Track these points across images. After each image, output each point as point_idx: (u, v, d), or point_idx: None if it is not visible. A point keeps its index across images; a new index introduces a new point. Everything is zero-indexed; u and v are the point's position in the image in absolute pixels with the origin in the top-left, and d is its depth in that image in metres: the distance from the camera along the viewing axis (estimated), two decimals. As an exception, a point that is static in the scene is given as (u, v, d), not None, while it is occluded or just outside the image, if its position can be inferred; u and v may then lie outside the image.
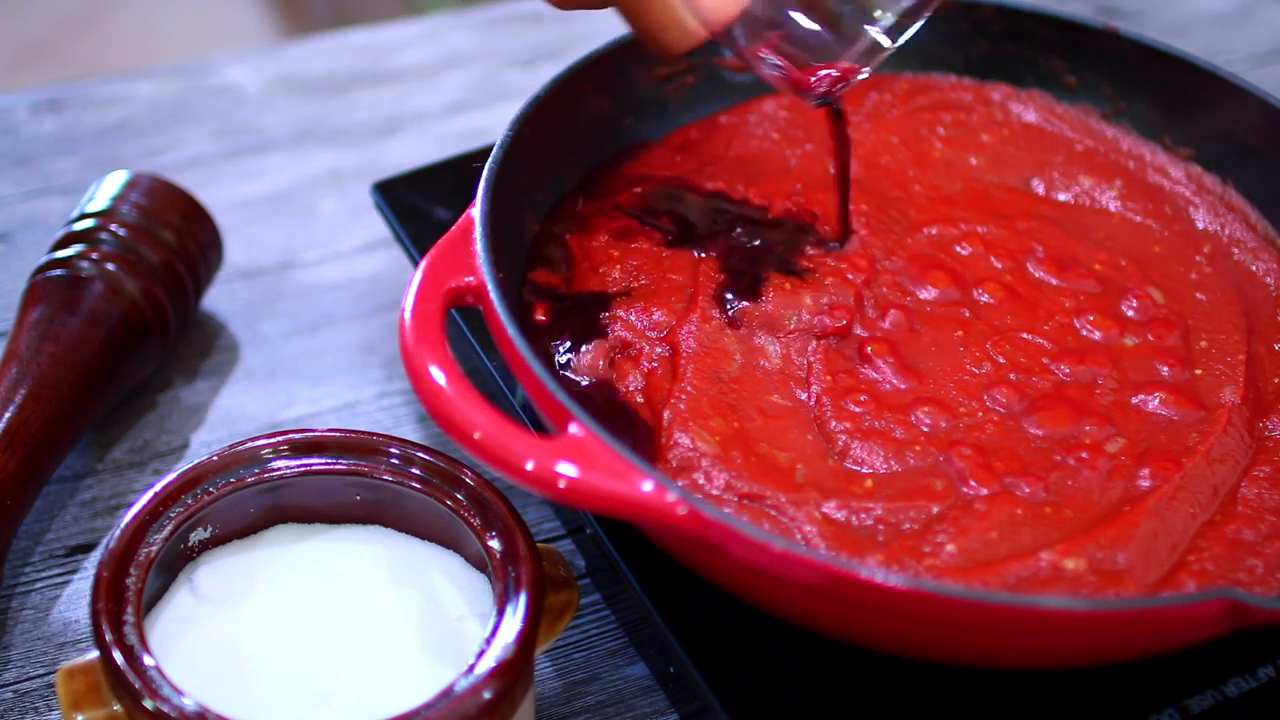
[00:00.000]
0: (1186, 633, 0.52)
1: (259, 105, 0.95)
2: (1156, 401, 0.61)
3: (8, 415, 0.65)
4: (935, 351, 0.63)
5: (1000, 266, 0.67)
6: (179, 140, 0.91)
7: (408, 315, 0.54)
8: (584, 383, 0.60)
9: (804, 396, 0.60)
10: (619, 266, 0.65)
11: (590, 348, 0.61)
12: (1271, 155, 0.70)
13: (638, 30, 0.58)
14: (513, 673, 0.52)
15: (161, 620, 0.55)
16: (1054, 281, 0.67)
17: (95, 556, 0.67)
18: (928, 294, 0.65)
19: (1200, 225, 0.71)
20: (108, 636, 0.51)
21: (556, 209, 0.68)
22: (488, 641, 0.52)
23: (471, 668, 0.52)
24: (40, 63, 2.09)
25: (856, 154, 0.72)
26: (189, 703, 0.50)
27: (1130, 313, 0.66)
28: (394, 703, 0.51)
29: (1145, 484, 0.58)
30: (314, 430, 0.59)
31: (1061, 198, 0.72)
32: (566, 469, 0.49)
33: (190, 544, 0.57)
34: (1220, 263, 0.69)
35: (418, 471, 0.58)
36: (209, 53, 0.99)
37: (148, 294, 0.71)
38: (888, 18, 0.59)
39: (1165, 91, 0.74)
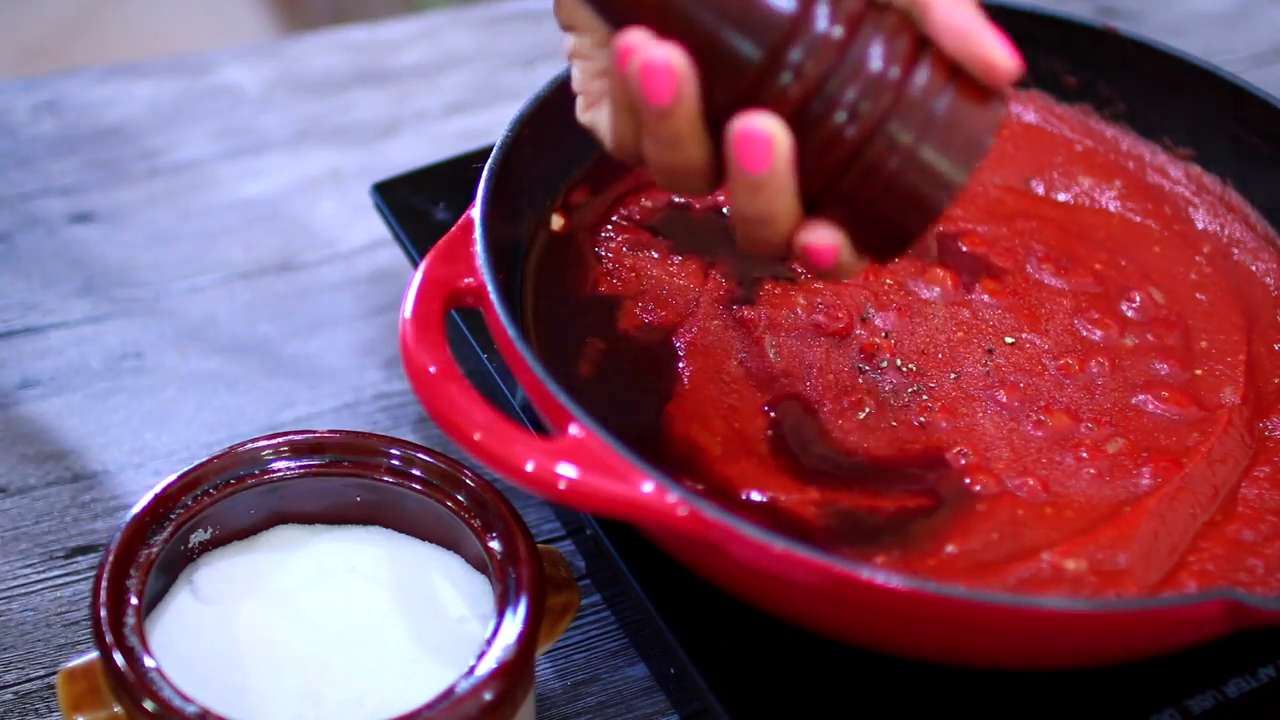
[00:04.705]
0: (1187, 633, 0.52)
1: (258, 105, 0.95)
2: (1156, 402, 0.61)
3: None
4: (935, 351, 0.63)
5: (1000, 266, 0.67)
6: (178, 140, 0.91)
7: (408, 315, 0.54)
8: (585, 383, 0.60)
9: (804, 397, 0.60)
10: (620, 268, 0.65)
11: (592, 348, 0.61)
12: (1271, 155, 0.70)
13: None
14: (513, 674, 0.52)
15: (162, 622, 0.55)
16: (1054, 282, 0.67)
17: (95, 558, 0.67)
18: (928, 294, 0.65)
19: (1200, 225, 0.71)
20: (108, 638, 0.51)
21: (556, 210, 0.68)
22: (488, 643, 0.52)
23: (472, 669, 0.52)
24: (40, 63, 2.09)
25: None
26: (189, 704, 0.50)
27: (1130, 313, 0.66)
28: (395, 704, 0.51)
29: (1145, 484, 0.58)
30: (314, 431, 0.59)
31: (1061, 198, 0.72)
32: (566, 470, 0.49)
33: (190, 545, 0.57)
34: (1220, 263, 0.69)
35: (418, 473, 0.58)
36: (208, 53, 0.98)
37: None
38: None
39: (1165, 91, 0.74)
